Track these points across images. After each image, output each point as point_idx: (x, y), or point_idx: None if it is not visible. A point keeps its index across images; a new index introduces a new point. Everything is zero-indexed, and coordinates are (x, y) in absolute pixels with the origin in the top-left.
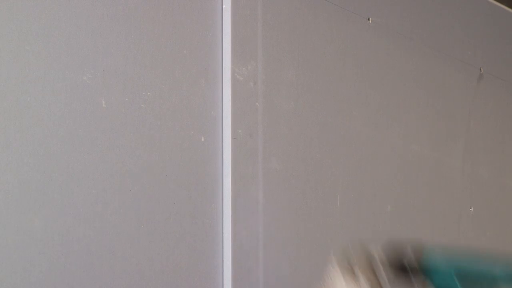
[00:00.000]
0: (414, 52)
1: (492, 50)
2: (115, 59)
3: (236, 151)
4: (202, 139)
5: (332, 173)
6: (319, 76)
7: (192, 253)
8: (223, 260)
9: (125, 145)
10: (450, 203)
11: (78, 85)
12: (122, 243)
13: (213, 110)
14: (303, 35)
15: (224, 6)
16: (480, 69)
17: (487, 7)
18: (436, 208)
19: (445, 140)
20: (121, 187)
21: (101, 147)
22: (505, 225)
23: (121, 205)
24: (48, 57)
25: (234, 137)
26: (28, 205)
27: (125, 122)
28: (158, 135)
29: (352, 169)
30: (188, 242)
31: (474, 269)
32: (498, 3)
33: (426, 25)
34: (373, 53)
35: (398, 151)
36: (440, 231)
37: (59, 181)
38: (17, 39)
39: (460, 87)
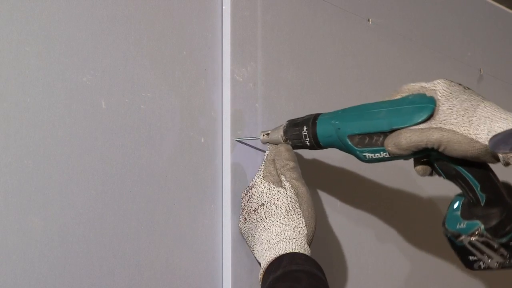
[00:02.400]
0: (414, 52)
1: (492, 51)
2: (115, 60)
3: (235, 151)
4: (202, 140)
5: (332, 173)
6: (319, 77)
7: (192, 253)
8: (223, 261)
9: (125, 146)
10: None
11: (78, 86)
12: (122, 244)
13: (213, 111)
14: (303, 36)
15: (223, 7)
16: (480, 70)
17: (487, 8)
18: (437, 208)
19: None
20: (121, 188)
21: (101, 147)
22: None
23: (121, 206)
24: (48, 58)
25: (233, 138)
26: (28, 205)
27: (125, 123)
28: (158, 136)
29: (352, 169)
30: (188, 243)
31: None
32: (498, 4)
33: (426, 26)
34: (373, 54)
35: None
36: (440, 231)
37: (59, 182)
38: (17, 40)
39: None
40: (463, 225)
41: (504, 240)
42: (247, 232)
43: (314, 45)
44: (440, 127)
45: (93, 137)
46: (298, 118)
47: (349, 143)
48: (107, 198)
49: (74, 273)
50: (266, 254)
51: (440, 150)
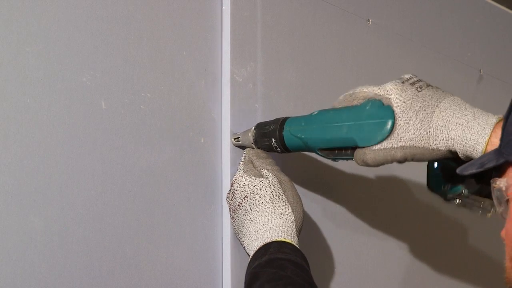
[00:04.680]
0: (414, 53)
1: (492, 51)
2: (114, 60)
3: (235, 152)
4: (202, 140)
5: (332, 173)
6: (319, 77)
7: (191, 254)
8: (222, 261)
9: (125, 146)
10: None
11: (77, 86)
12: (121, 244)
13: (213, 111)
14: (302, 36)
15: (223, 8)
16: (480, 70)
17: (487, 8)
18: (436, 208)
19: None
20: (120, 188)
21: (101, 148)
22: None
23: (121, 206)
24: (48, 58)
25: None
26: (28, 206)
27: (125, 123)
28: (157, 136)
29: (352, 169)
30: (188, 243)
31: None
32: (498, 4)
33: (426, 26)
34: (372, 54)
35: None
36: (441, 231)
37: (59, 182)
38: (17, 40)
39: (459, 88)
40: (447, 187)
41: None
42: (236, 230)
43: (314, 45)
44: (401, 145)
45: (93, 137)
46: (265, 126)
47: (320, 153)
48: (107, 198)
49: (74, 273)
50: (254, 245)
51: (408, 161)
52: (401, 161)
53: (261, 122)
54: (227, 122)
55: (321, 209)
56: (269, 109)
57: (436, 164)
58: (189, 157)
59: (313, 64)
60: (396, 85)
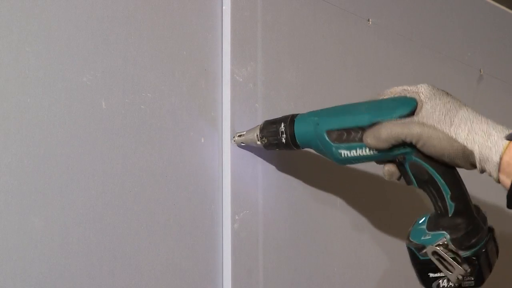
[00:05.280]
0: (414, 53)
1: (492, 51)
2: (115, 60)
3: (235, 152)
4: (202, 140)
5: (332, 173)
6: (319, 77)
7: (191, 254)
8: (223, 261)
9: (125, 146)
10: None
11: (78, 86)
12: (122, 244)
13: (213, 111)
14: (303, 36)
15: (223, 7)
16: (480, 70)
17: (487, 8)
18: None
19: None
20: (121, 188)
21: (101, 148)
22: (506, 225)
23: (121, 206)
24: (48, 58)
25: (233, 138)
26: (28, 206)
27: (125, 123)
28: (158, 136)
29: (352, 169)
30: (188, 243)
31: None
32: (498, 4)
33: (426, 26)
34: (373, 54)
35: None
36: None
37: (59, 182)
38: (17, 40)
39: (460, 88)
40: (428, 236)
41: (468, 253)
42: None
43: (314, 45)
44: (422, 122)
45: (93, 137)
46: (276, 118)
47: (326, 138)
48: (107, 198)
49: (74, 273)
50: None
51: (418, 145)
52: (414, 139)
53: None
54: (228, 122)
55: (321, 209)
56: (269, 109)
57: (422, 219)
58: (189, 157)
59: (313, 64)
60: (428, 85)
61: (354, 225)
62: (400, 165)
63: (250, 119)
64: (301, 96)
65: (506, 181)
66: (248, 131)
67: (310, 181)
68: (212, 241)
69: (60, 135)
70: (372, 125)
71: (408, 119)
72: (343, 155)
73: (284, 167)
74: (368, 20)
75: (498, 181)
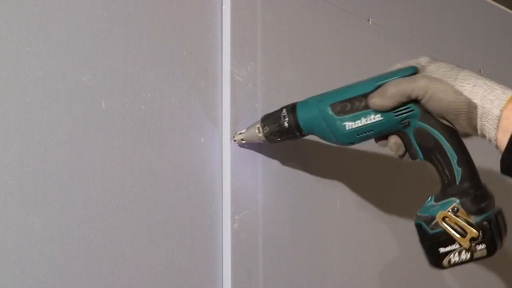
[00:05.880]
0: (414, 53)
1: (492, 51)
2: (114, 60)
3: (235, 152)
4: (202, 140)
5: (332, 173)
6: (319, 77)
7: (191, 253)
8: (222, 261)
9: (125, 146)
10: None
11: (77, 86)
12: (121, 244)
13: (213, 111)
14: (302, 36)
15: (223, 7)
16: (480, 70)
17: (487, 8)
18: None
19: None
20: (121, 188)
21: (101, 148)
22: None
23: (121, 206)
24: (47, 58)
25: (233, 138)
26: (28, 205)
27: (125, 123)
28: (157, 136)
29: (352, 169)
30: (188, 243)
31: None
32: (498, 4)
33: (426, 26)
34: (373, 54)
35: None
36: None
37: (59, 182)
38: (17, 40)
39: None
40: (437, 207)
41: (479, 218)
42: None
43: (314, 45)
44: (428, 75)
45: (93, 137)
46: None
47: (330, 112)
48: (107, 198)
49: (74, 273)
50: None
51: (424, 100)
52: (421, 92)
53: None
54: (227, 121)
55: (321, 209)
56: (269, 109)
57: (429, 198)
58: (189, 157)
59: (313, 64)
60: (427, 55)
61: (354, 225)
62: (404, 137)
63: (250, 119)
64: (301, 96)
65: (503, 140)
66: (248, 128)
67: (310, 181)
68: (212, 241)
69: (60, 135)
70: (376, 87)
71: (413, 76)
72: (347, 127)
73: (284, 167)
74: (368, 20)
75: (496, 144)
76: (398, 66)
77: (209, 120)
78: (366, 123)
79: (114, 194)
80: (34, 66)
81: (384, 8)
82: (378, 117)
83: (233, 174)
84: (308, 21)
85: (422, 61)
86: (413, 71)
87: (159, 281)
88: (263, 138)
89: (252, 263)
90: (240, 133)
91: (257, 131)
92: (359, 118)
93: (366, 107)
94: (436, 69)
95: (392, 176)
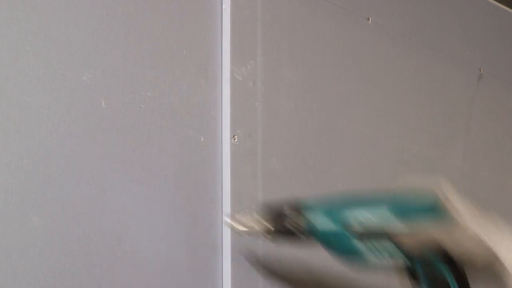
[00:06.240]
0: (414, 52)
1: (492, 50)
2: (114, 59)
3: (235, 151)
4: (202, 139)
5: (332, 173)
6: (319, 76)
7: (191, 253)
8: (222, 260)
9: (125, 145)
10: None
11: (77, 85)
12: (121, 243)
13: (213, 110)
14: (302, 35)
15: (223, 6)
16: (480, 69)
17: (487, 7)
18: None
19: (445, 140)
20: (121, 187)
21: (101, 147)
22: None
23: (121, 205)
24: (47, 57)
25: (233, 137)
26: (28, 204)
27: (125, 122)
28: (157, 135)
29: (352, 169)
30: (188, 242)
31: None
32: (498, 3)
33: (426, 25)
34: (372, 53)
35: (398, 151)
36: None
37: (59, 181)
38: (16, 39)
39: (459, 87)
40: None
41: None
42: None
43: (314, 44)
44: (456, 224)
45: (93, 136)
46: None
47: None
48: (107, 197)
49: (74, 272)
50: None
51: (448, 247)
52: (448, 245)
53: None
54: (227, 120)
55: None
56: (269, 107)
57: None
58: (189, 156)
59: (313, 63)
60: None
61: None
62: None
63: (250, 117)
64: (300, 95)
65: None
66: (246, 217)
67: (311, 182)
68: (212, 241)
69: (59, 134)
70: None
71: (443, 223)
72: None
73: (284, 167)
74: (368, 19)
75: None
76: (413, 181)
77: (209, 119)
78: (386, 254)
79: (114, 193)
80: (34, 65)
81: (384, 7)
82: (400, 254)
83: (233, 174)
84: (308, 20)
85: (444, 188)
86: (437, 206)
87: (159, 281)
88: (267, 236)
89: (252, 263)
90: (238, 221)
91: (259, 226)
92: (380, 251)
93: (392, 240)
94: (462, 212)
95: (393, 176)
